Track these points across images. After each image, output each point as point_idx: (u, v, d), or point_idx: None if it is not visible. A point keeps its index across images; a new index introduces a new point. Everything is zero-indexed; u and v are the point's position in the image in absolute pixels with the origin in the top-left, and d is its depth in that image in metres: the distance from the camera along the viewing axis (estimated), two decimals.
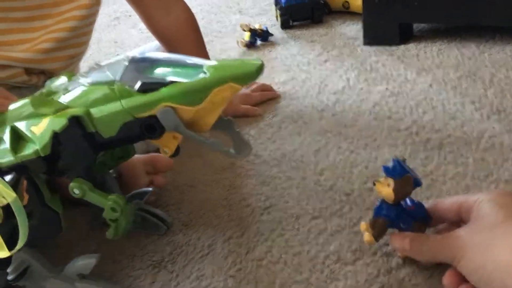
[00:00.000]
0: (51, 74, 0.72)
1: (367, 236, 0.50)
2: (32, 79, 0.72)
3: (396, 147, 0.71)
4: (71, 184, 0.49)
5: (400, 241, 0.48)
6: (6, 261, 0.48)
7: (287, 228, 0.58)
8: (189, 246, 0.57)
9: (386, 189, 0.48)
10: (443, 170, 0.65)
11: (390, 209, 0.49)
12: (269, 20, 1.32)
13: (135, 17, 0.88)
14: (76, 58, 0.77)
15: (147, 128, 0.48)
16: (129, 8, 0.84)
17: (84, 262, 0.49)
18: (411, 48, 1.03)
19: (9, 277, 0.48)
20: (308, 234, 0.57)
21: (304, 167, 0.69)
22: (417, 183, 0.49)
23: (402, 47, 1.03)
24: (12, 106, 0.49)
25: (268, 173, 0.69)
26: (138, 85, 0.47)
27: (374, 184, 0.49)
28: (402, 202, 0.50)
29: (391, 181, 0.48)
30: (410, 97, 0.84)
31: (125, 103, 0.47)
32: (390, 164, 0.48)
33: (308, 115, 0.83)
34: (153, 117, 0.47)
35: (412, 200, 0.50)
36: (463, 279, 0.43)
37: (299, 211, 0.61)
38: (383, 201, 0.49)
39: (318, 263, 0.52)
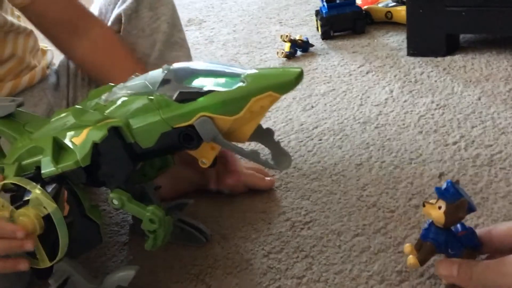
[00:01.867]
0: None
1: (411, 259, 0.47)
2: None
3: (443, 162, 0.68)
4: (110, 195, 0.49)
5: (447, 268, 0.45)
6: (48, 271, 0.48)
7: (328, 245, 0.56)
8: (228, 260, 0.56)
9: (436, 212, 0.45)
10: (494, 188, 0.61)
11: (439, 233, 0.46)
12: (310, 30, 1.30)
13: None
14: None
15: (185, 138, 0.47)
16: None
17: (123, 274, 0.49)
18: (458, 59, 0.99)
19: None
20: (350, 252, 0.55)
21: (345, 181, 0.67)
22: (471, 208, 0.46)
23: (448, 58, 1.00)
24: (54, 118, 0.50)
25: (308, 187, 0.68)
26: (176, 95, 0.47)
27: (424, 206, 0.46)
28: (453, 227, 0.47)
29: (443, 204, 0.45)
30: (457, 110, 0.81)
31: (163, 113, 0.46)
32: (443, 185, 0.46)
33: (350, 128, 0.81)
34: (191, 127, 0.47)
35: (463, 225, 0.47)
36: None
37: (340, 227, 0.59)
38: (432, 224, 0.47)
39: (361, 283, 0.50)
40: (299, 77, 0.45)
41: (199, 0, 1.70)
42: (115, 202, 0.49)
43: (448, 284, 0.48)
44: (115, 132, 0.47)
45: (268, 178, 0.69)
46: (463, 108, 0.81)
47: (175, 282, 0.54)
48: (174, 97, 0.47)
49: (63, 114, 0.49)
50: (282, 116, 0.88)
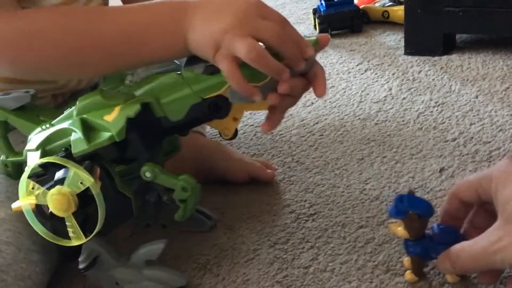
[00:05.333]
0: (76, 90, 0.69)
1: (407, 275, 0.49)
2: (58, 99, 0.69)
3: (443, 158, 0.69)
4: (143, 168, 0.50)
5: (442, 266, 0.46)
6: (77, 251, 0.49)
7: (333, 236, 0.57)
8: (234, 250, 0.57)
9: (399, 230, 0.47)
10: None
11: (415, 246, 0.48)
12: (307, 29, 1.32)
13: None
14: None
15: (215, 108, 0.50)
16: None
17: (152, 248, 0.50)
18: (454, 59, 1.01)
19: (80, 266, 0.49)
20: (355, 243, 0.56)
21: (348, 175, 0.68)
22: (425, 215, 0.47)
23: (445, 57, 1.02)
24: (80, 100, 0.51)
25: (311, 180, 0.69)
26: (203, 68, 0.49)
27: (388, 226, 0.48)
28: (428, 231, 0.48)
29: (400, 222, 0.47)
30: (455, 108, 0.82)
31: (193, 86, 0.49)
32: (392, 204, 0.47)
33: (350, 124, 0.82)
34: (220, 96, 0.50)
35: (438, 226, 0.48)
36: None
37: (344, 219, 0.60)
38: (406, 240, 0.48)
39: (367, 273, 0.51)
40: (316, 43, 0.50)
41: None
42: (148, 174, 0.50)
43: (452, 280, 0.48)
44: (145, 108, 0.49)
45: (269, 170, 0.70)
46: (461, 106, 0.83)
47: (183, 271, 0.54)
48: (201, 71, 0.49)
49: (89, 97, 0.50)
50: None
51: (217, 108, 0.50)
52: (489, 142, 0.72)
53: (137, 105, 0.49)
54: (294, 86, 0.49)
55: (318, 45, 0.52)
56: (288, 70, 0.47)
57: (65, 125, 0.50)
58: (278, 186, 0.68)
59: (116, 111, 0.49)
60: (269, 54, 0.46)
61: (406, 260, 0.50)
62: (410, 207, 0.47)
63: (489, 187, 0.43)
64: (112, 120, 0.48)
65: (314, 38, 0.51)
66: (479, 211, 0.48)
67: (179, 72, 0.51)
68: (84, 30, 0.51)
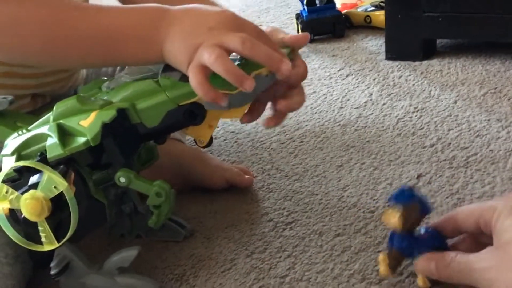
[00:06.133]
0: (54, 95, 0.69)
1: (382, 268, 0.49)
2: (37, 102, 0.68)
3: (421, 164, 0.70)
4: (118, 174, 0.50)
5: (425, 264, 0.47)
6: (48, 258, 0.49)
7: (311, 245, 0.57)
8: (211, 260, 0.57)
9: (394, 220, 0.47)
10: (470, 189, 0.63)
11: (401, 240, 0.48)
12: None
13: None
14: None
15: (190, 115, 0.51)
16: None
17: (124, 255, 0.50)
18: (434, 64, 1.02)
19: (52, 272, 0.49)
20: (331, 251, 0.56)
21: (326, 182, 0.69)
22: (426, 211, 0.48)
23: (425, 62, 1.03)
24: (56, 105, 0.51)
25: (290, 188, 0.69)
26: (178, 75, 0.50)
27: (384, 214, 0.48)
28: (417, 231, 0.48)
29: (399, 210, 0.47)
30: (434, 113, 0.83)
31: (170, 93, 0.50)
32: (396, 191, 0.48)
33: (330, 130, 0.82)
34: (195, 103, 0.50)
35: (426, 229, 0.49)
36: None
37: (322, 227, 0.60)
38: (393, 232, 0.48)
39: (343, 282, 0.51)
40: (289, 54, 0.51)
41: None
42: (122, 179, 0.50)
43: (422, 285, 0.48)
44: (121, 114, 0.50)
45: (247, 176, 0.69)
46: (439, 111, 0.83)
47: (159, 283, 0.54)
48: (178, 78, 0.50)
49: (66, 102, 0.51)
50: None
51: (192, 115, 0.51)
52: (467, 147, 0.72)
53: (113, 111, 0.49)
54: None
55: (293, 54, 0.52)
56: (253, 80, 0.47)
57: (41, 130, 0.51)
58: (257, 194, 0.68)
59: (92, 116, 0.49)
60: (230, 59, 0.47)
61: (383, 254, 0.49)
62: (416, 198, 0.47)
63: (491, 218, 0.43)
64: (88, 125, 0.49)
65: (288, 49, 0.52)
66: (467, 239, 0.48)
67: (156, 79, 0.51)
68: (64, 25, 0.51)
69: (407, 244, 0.48)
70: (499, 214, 0.43)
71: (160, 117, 0.51)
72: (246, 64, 0.49)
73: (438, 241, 0.48)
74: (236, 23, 0.49)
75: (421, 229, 0.49)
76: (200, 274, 0.55)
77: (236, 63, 0.49)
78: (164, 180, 0.51)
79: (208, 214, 0.65)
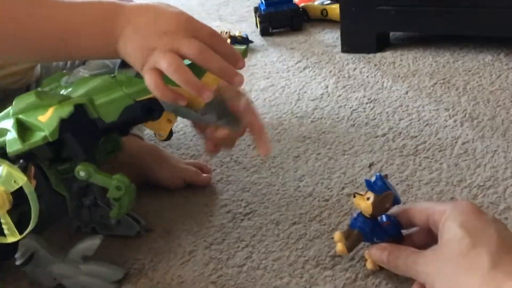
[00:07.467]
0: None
1: (339, 246, 0.51)
2: None
3: (373, 153, 0.72)
4: (77, 167, 0.51)
5: (378, 253, 0.49)
6: (12, 250, 0.50)
7: (268, 234, 0.59)
8: (170, 253, 0.57)
9: (365, 203, 0.49)
10: (418, 176, 0.66)
11: (366, 223, 0.50)
12: (249, 27, 1.33)
13: None
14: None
15: (147, 110, 0.52)
16: None
17: (88, 244, 0.51)
18: (388, 56, 1.05)
19: (17, 262, 0.50)
20: (288, 239, 0.58)
21: (284, 173, 0.70)
22: (397, 201, 0.50)
23: (378, 55, 1.06)
24: (16, 100, 0.51)
25: (248, 179, 0.70)
26: (135, 71, 0.51)
27: (354, 196, 0.50)
28: (379, 218, 0.51)
29: (371, 195, 0.49)
30: (386, 104, 0.86)
31: (126, 89, 0.51)
32: (372, 178, 0.50)
33: (288, 122, 0.84)
34: (152, 99, 0.51)
35: (388, 217, 0.51)
36: None
37: (279, 217, 0.62)
38: (360, 214, 0.50)
39: (298, 268, 0.53)
40: (245, 52, 0.54)
41: None
42: (82, 173, 0.51)
43: (372, 268, 0.51)
44: (79, 109, 0.50)
45: (205, 175, 0.70)
46: (391, 102, 0.87)
47: (124, 269, 0.54)
48: (134, 74, 0.51)
49: (25, 97, 0.51)
50: None
51: (150, 110, 0.52)
52: (416, 136, 0.76)
53: (71, 106, 0.50)
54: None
55: (245, 55, 0.54)
56: (210, 90, 0.48)
57: (0, 125, 0.51)
58: (216, 186, 0.69)
59: (50, 111, 0.50)
60: (189, 70, 0.48)
61: (339, 233, 0.51)
62: (391, 187, 0.50)
63: (440, 219, 0.46)
64: (46, 120, 0.49)
65: (244, 47, 0.54)
66: (421, 230, 0.51)
67: (113, 75, 0.52)
68: (18, 18, 0.50)
69: (370, 228, 0.50)
70: (447, 217, 0.45)
71: (118, 112, 0.52)
72: (195, 65, 0.49)
73: (396, 230, 0.51)
74: (191, 27, 0.50)
75: (383, 217, 0.51)
76: (159, 267, 0.56)
77: (187, 63, 0.49)
78: (123, 174, 0.52)
79: (167, 207, 0.66)
